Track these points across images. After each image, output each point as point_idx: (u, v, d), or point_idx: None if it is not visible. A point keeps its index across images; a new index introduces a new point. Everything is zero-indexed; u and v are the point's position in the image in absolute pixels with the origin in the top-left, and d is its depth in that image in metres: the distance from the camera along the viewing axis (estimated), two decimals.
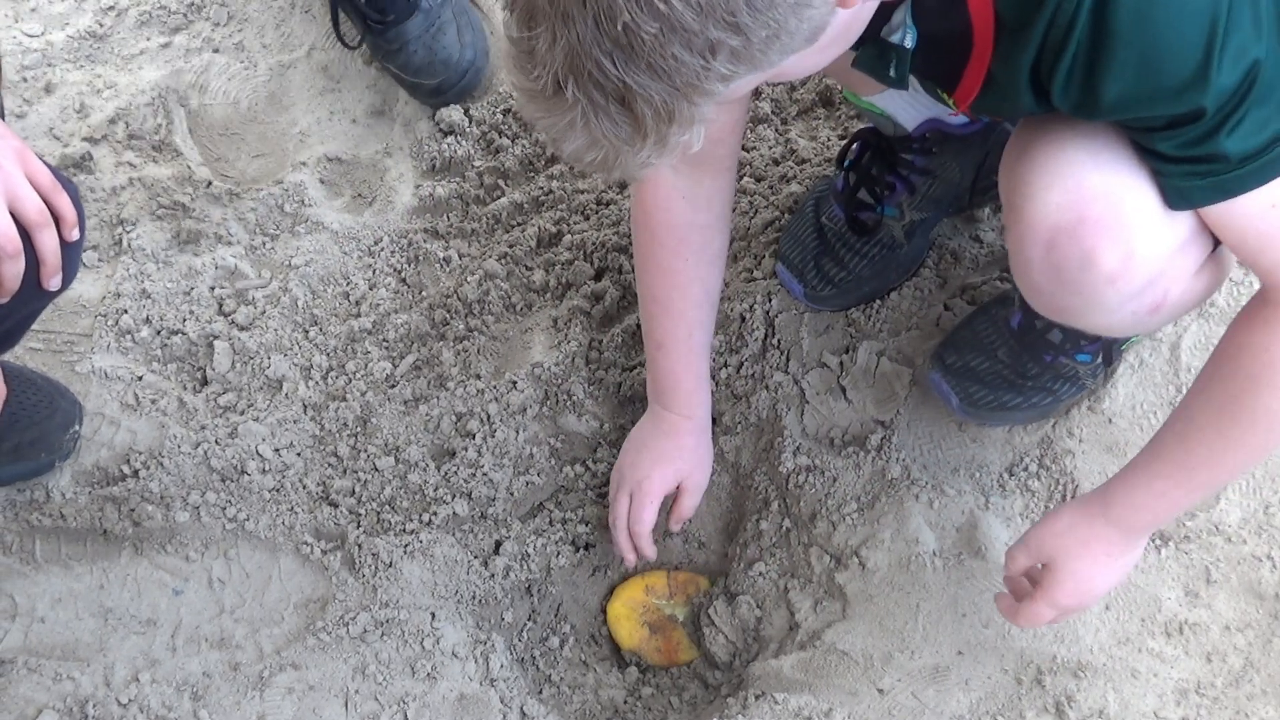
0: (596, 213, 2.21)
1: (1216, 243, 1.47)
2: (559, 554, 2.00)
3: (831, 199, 2.05)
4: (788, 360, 2.04)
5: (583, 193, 2.23)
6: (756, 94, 2.23)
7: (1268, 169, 1.34)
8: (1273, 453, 1.54)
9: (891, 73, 1.43)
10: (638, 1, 1.06)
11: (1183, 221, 1.43)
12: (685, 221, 1.81)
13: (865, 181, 1.99)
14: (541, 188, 2.25)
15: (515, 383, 2.06)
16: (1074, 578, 1.63)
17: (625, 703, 1.96)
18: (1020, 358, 1.88)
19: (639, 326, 2.07)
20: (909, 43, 1.40)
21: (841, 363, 2.01)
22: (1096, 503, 1.63)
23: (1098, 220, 1.43)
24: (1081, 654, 1.80)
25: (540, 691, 1.96)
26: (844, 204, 2.01)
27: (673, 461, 1.95)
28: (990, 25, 1.33)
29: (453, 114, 2.30)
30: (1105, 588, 1.67)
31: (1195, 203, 1.40)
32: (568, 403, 2.07)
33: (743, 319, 2.06)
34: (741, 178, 2.17)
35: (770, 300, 2.06)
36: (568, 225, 2.21)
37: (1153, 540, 1.87)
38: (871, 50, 1.43)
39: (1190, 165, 1.36)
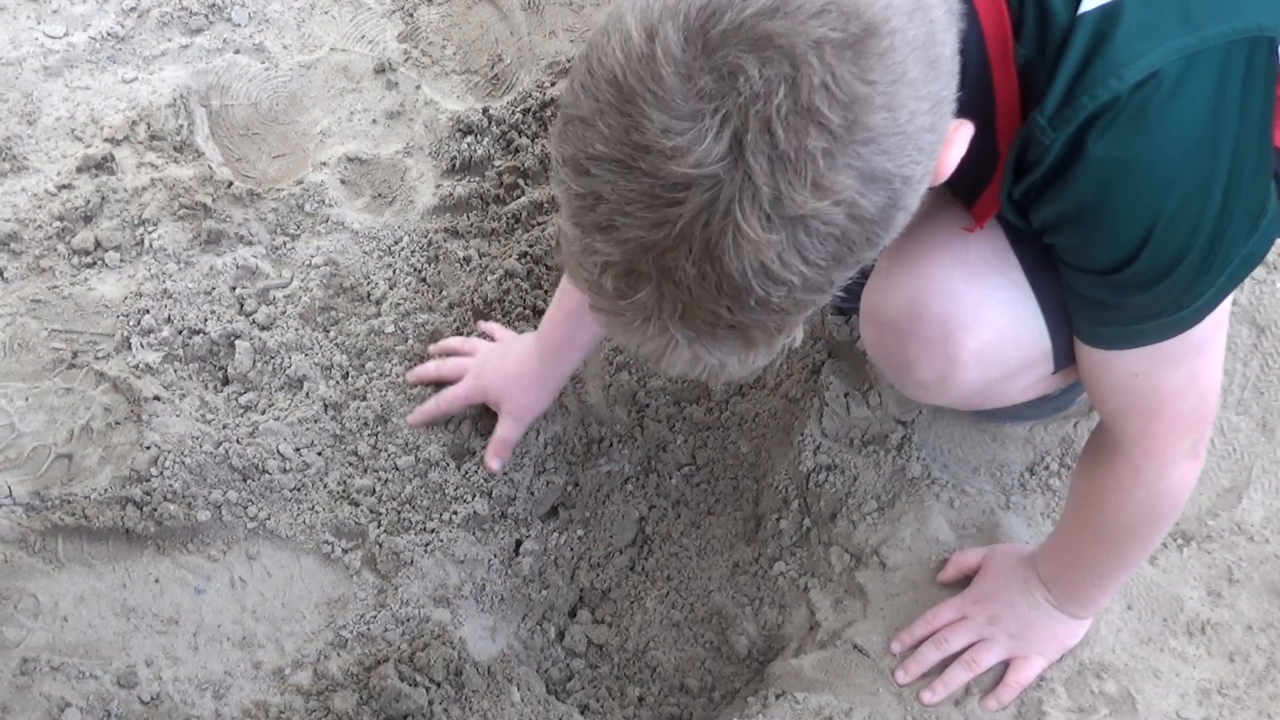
0: None
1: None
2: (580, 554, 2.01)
3: None
4: (807, 360, 2.04)
5: None
6: None
7: (1151, 333, 1.38)
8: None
9: None
10: (768, 275, 1.01)
11: (1013, 361, 1.49)
12: None
13: None
14: None
15: None
16: (986, 585, 1.78)
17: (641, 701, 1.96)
18: None
19: None
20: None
21: (864, 363, 2.01)
22: (1031, 559, 1.77)
23: (926, 340, 1.49)
24: (1104, 654, 1.79)
25: (560, 691, 1.96)
26: None
27: (513, 384, 1.98)
28: (1008, 152, 1.33)
29: (472, 114, 2.30)
30: (1030, 629, 1.76)
31: (1086, 341, 1.45)
32: (586, 403, 2.07)
33: None
34: None
35: None
36: None
37: (1174, 540, 1.87)
38: None
39: (1091, 310, 1.41)
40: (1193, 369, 1.44)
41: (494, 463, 2.00)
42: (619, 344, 1.51)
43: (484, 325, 2.09)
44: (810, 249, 1.02)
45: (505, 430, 2.00)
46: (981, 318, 1.46)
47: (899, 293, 1.50)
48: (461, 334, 2.13)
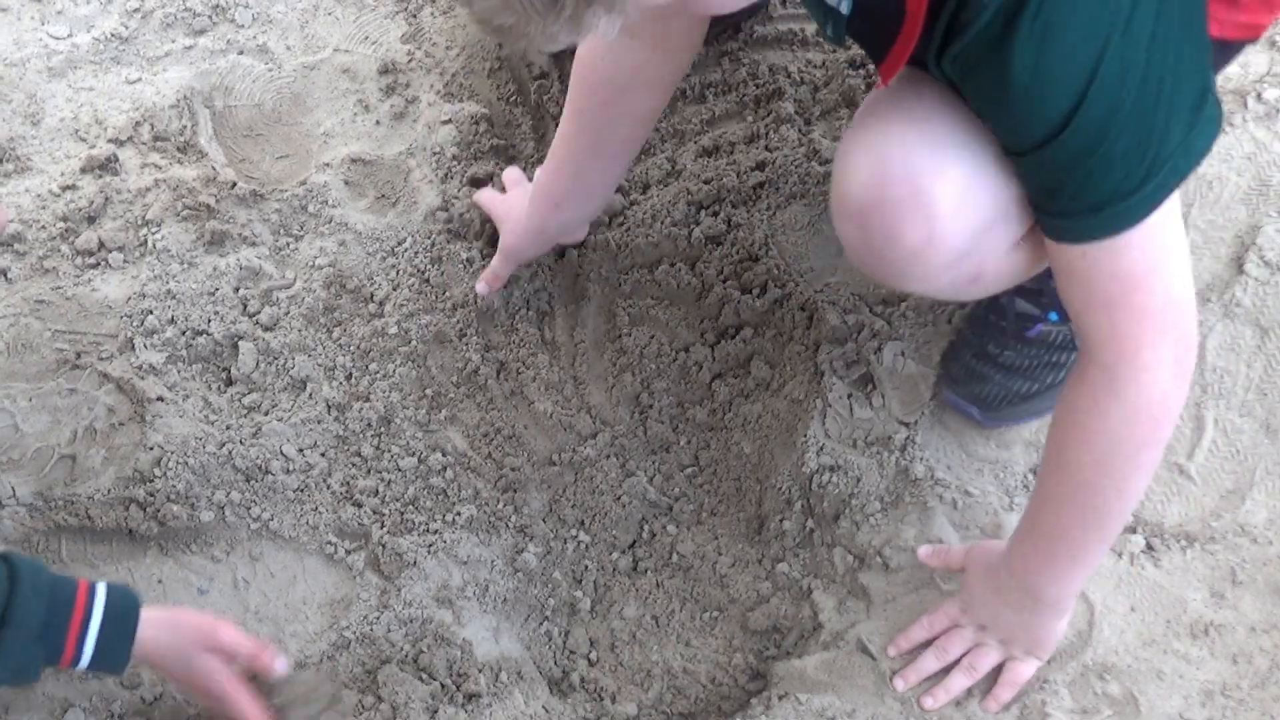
0: (620, 215, 2.21)
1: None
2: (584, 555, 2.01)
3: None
4: (812, 360, 2.04)
5: None
6: (779, 94, 2.23)
7: (1101, 225, 1.41)
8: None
9: (829, 31, 1.50)
10: None
11: (988, 204, 1.49)
12: (603, 75, 1.88)
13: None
14: None
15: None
16: (970, 593, 1.76)
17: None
18: (1009, 342, 1.91)
19: (650, 338, 2.09)
20: (844, 9, 1.47)
21: (867, 363, 2.01)
22: (1004, 555, 1.72)
23: (899, 201, 1.49)
24: (1107, 655, 1.79)
25: (563, 692, 1.96)
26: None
27: (505, 221, 2.13)
28: (922, 12, 1.37)
29: (472, 114, 2.30)
30: (1015, 632, 1.74)
31: (1050, 235, 1.47)
32: (589, 403, 2.07)
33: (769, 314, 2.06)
34: (762, 181, 2.17)
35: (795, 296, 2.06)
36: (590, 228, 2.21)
37: (1178, 541, 1.87)
38: (814, 3, 1.51)
39: (1043, 198, 1.45)
40: (1151, 261, 1.43)
41: (480, 287, 2.13)
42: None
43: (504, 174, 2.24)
44: None
45: (495, 263, 2.13)
46: (945, 161, 1.47)
47: (860, 172, 1.52)
48: (465, 336, 2.13)
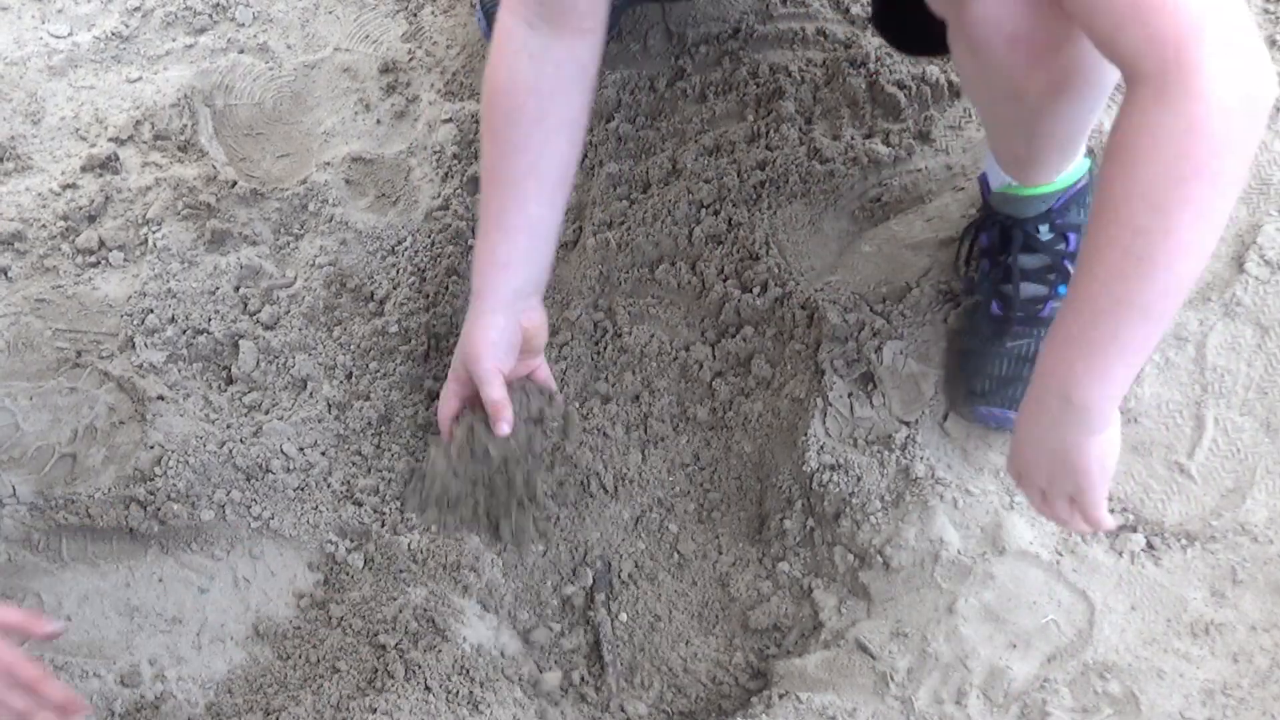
0: (623, 216, 2.21)
1: None
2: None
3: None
4: (813, 359, 2.04)
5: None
6: (780, 94, 2.23)
7: None
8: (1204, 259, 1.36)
9: None
10: None
11: None
12: (526, 84, 1.70)
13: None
14: None
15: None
16: (1016, 442, 1.55)
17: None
18: (1027, 330, 1.90)
19: (650, 337, 2.08)
20: None
21: (868, 362, 2.01)
22: (1037, 380, 1.49)
23: None
24: (1107, 654, 1.79)
25: (563, 691, 1.96)
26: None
27: (468, 351, 1.75)
28: None
29: (472, 115, 2.31)
30: (1048, 451, 1.51)
31: None
32: (589, 404, 2.07)
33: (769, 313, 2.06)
34: (762, 180, 2.17)
35: (794, 296, 2.07)
36: (591, 228, 2.21)
37: (1179, 540, 1.87)
38: None
39: None
40: None
41: (502, 427, 1.74)
42: None
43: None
44: None
45: (489, 392, 1.75)
46: None
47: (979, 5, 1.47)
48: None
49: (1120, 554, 1.86)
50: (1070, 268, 1.85)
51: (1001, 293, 1.90)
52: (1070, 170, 1.84)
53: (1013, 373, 1.90)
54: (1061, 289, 1.88)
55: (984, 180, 1.92)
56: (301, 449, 2.02)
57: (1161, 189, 1.29)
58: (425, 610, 1.91)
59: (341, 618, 1.92)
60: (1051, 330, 1.46)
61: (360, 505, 2.00)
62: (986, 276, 1.94)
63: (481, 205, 1.76)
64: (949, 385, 1.97)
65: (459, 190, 2.24)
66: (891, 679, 1.81)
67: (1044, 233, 1.88)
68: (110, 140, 2.27)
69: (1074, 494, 1.53)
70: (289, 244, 2.20)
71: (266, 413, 2.05)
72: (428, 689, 1.84)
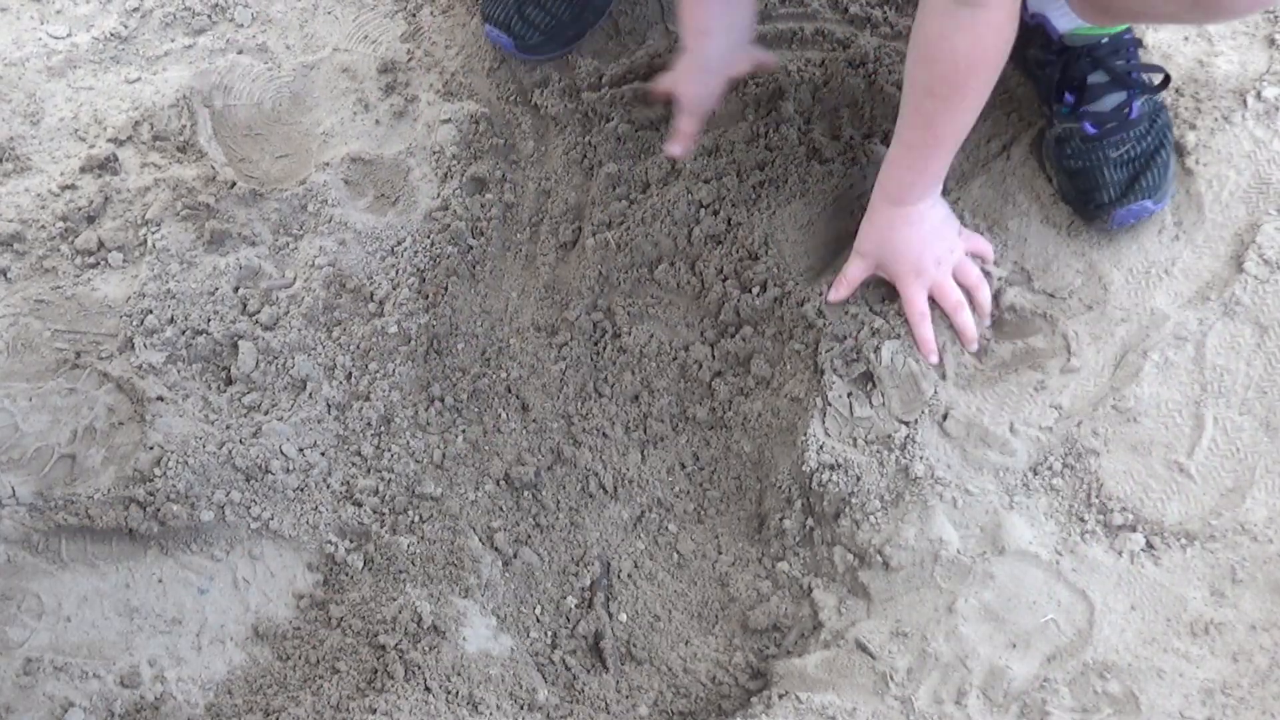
0: (622, 216, 2.21)
1: None
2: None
3: None
4: (813, 359, 2.04)
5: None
6: (780, 94, 2.23)
7: None
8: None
9: None
10: None
11: None
12: None
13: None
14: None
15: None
16: (868, 226, 2.02)
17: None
18: (1124, 139, 2.06)
19: (650, 337, 2.09)
20: None
21: (867, 362, 2.01)
22: (878, 190, 1.99)
23: None
24: (1107, 654, 1.79)
25: (563, 691, 1.96)
26: None
27: (673, 83, 2.20)
28: None
29: (472, 115, 2.31)
30: (894, 237, 1.99)
31: None
32: (589, 404, 2.07)
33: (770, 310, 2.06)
34: (762, 180, 2.17)
35: (798, 291, 2.06)
36: (590, 228, 2.21)
37: (1178, 540, 1.87)
38: None
39: None
40: None
41: (675, 149, 2.19)
42: None
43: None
44: None
45: (677, 122, 2.19)
46: None
47: None
48: (474, 347, 2.13)
49: (1120, 554, 1.86)
50: (1137, 78, 2.07)
51: (1091, 113, 2.06)
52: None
53: (1129, 174, 2.05)
54: (1136, 91, 2.06)
55: (1044, 21, 2.09)
56: (301, 449, 2.02)
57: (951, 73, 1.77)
58: (425, 611, 1.91)
59: (341, 618, 1.93)
60: (885, 160, 1.96)
61: (360, 506, 2.00)
62: (1072, 107, 2.09)
63: None
64: (1075, 207, 2.09)
65: (458, 190, 2.24)
66: (891, 679, 1.81)
67: (1105, 51, 2.07)
68: (109, 141, 2.27)
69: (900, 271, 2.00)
70: (288, 244, 2.20)
71: (266, 413, 2.05)
72: (427, 689, 1.84)
